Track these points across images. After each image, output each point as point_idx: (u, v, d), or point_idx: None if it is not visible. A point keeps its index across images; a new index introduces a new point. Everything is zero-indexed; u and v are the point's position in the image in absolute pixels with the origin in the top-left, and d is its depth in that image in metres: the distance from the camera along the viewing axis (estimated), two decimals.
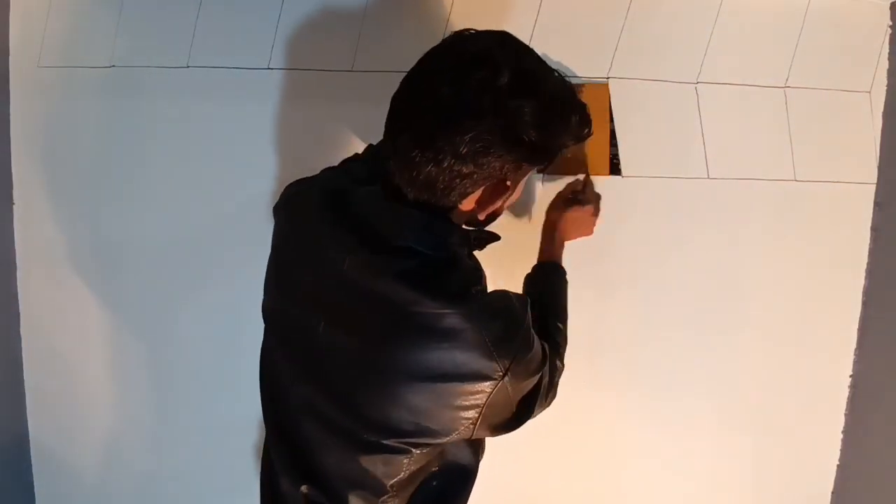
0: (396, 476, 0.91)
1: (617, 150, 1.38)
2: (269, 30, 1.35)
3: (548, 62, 0.87)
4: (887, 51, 1.41)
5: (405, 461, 0.90)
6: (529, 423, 0.96)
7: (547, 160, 0.88)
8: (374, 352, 0.86)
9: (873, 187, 1.44)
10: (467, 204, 0.88)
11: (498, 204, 0.90)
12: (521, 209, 1.40)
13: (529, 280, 1.20)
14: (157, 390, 1.50)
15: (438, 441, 0.90)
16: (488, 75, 0.79)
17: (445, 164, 0.80)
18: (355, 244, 0.87)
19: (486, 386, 0.85)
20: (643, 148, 1.40)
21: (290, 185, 1.01)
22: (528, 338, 0.90)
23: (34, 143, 1.44)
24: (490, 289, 0.93)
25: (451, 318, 0.83)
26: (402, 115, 0.83)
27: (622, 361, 1.47)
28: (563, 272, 1.22)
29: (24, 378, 1.49)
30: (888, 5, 1.40)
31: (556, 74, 0.87)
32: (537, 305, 1.13)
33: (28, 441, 1.51)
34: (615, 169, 1.39)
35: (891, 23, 1.40)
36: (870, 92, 1.41)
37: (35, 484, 1.52)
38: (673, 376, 1.47)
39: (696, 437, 1.50)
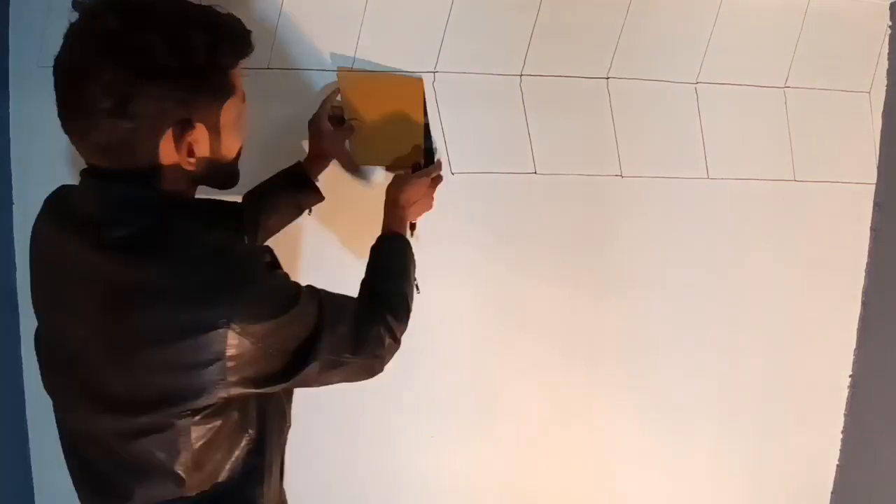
0: (180, 457, 0.88)
1: (432, 143, 1.37)
2: (269, 30, 1.35)
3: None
4: (887, 51, 1.41)
5: (180, 438, 0.87)
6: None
7: (209, 84, 0.87)
8: (102, 332, 0.85)
9: (873, 187, 1.44)
10: (167, 155, 0.86)
11: (205, 148, 0.89)
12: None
13: (371, 251, 1.20)
14: None
15: (195, 404, 0.86)
16: (93, 24, 0.81)
17: (103, 125, 0.81)
18: (70, 232, 0.88)
19: (215, 336, 0.82)
20: (643, 148, 1.40)
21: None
22: (252, 279, 0.87)
23: (34, 143, 1.44)
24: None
25: (160, 279, 0.83)
26: (57, 99, 0.84)
27: (621, 361, 1.47)
28: (400, 239, 1.21)
29: (24, 378, 1.49)
30: (888, 5, 1.40)
31: (189, 1, 0.87)
32: (369, 270, 1.15)
33: (28, 441, 1.51)
34: (430, 161, 1.37)
35: (891, 23, 1.40)
36: (870, 92, 1.41)
37: (35, 484, 1.52)
38: (672, 376, 1.48)
39: (696, 436, 1.50)
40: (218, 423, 0.89)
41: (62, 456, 1.00)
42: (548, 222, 1.42)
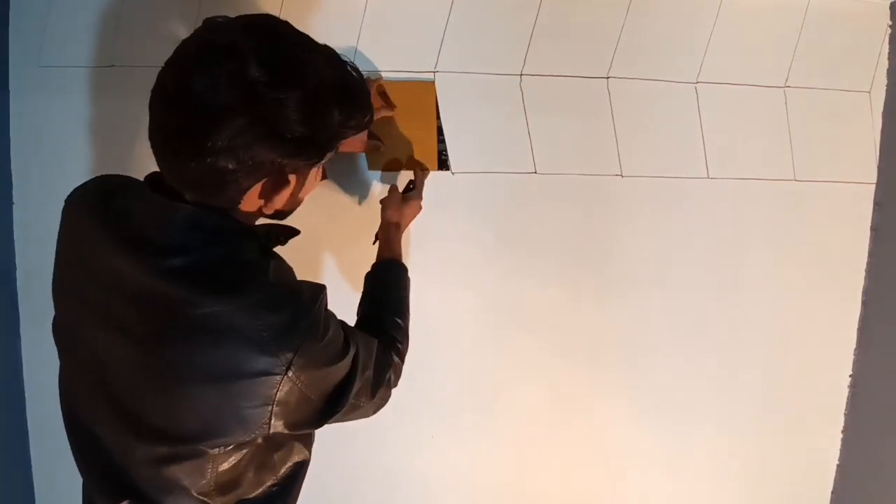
0: (204, 481, 0.87)
1: (445, 146, 1.38)
2: None
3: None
4: (887, 51, 1.41)
5: (208, 466, 0.86)
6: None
7: (325, 152, 0.85)
8: (152, 357, 0.82)
9: (873, 187, 1.44)
10: (249, 202, 0.84)
11: (285, 199, 0.87)
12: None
13: (369, 277, 1.18)
14: None
15: (233, 440, 0.86)
16: (236, 67, 0.75)
17: (208, 161, 0.76)
18: (124, 245, 0.82)
19: (270, 382, 0.82)
20: (643, 148, 1.40)
21: (86, 182, 0.94)
22: (317, 327, 0.85)
23: (34, 143, 1.44)
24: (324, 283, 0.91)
25: (225, 316, 0.80)
26: (157, 110, 0.79)
27: (621, 360, 1.47)
28: (402, 268, 1.20)
29: (24, 378, 1.49)
30: (888, 5, 1.40)
31: (327, 58, 0.84)
32: (375, 301, 1.13)
33: (28, 440, 1.51)
34: (443, 165, 1.39)
35: (891, 23, 1.40)
36: (870, 92, 1.41)
37: (35, 484, 1.52)
38: (673, 376, 1.48)
39: (696, 436, 1.50)
40: (244, 451, 0.89)
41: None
42: (548, 222, 1.42)
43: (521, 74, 1.37)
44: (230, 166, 0.78)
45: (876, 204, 1.44)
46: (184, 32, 1.36)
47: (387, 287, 1.17)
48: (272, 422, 0.85)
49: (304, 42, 0.83)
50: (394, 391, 1.06)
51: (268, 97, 0.76)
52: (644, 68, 1.38)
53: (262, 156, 0.78)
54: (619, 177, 1.41)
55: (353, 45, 1.35)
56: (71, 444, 0.96)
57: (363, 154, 1.38)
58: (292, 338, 0.82)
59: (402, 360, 1.08)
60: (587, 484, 1.52)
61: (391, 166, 1.38)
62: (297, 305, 0.85)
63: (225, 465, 0.88)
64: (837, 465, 1.51)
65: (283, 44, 0.80)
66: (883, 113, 1.42)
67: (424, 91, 1.35)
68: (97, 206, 0.88)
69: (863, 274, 1.46)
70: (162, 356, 0.82)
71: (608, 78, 1.38)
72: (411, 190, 1.33)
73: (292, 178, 0.84)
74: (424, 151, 1.37)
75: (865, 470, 1.49)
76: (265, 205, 0.86)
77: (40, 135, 1.43)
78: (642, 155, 1.41)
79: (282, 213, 0.92)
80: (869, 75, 1.41)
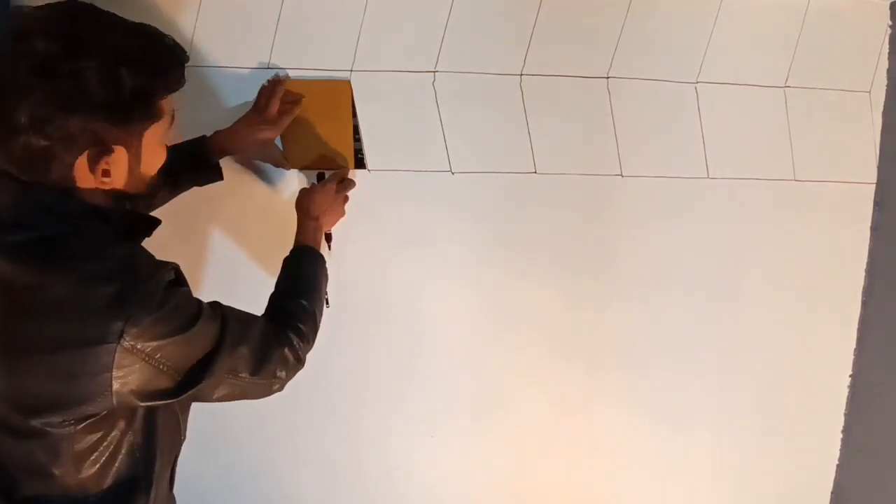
0: (59, 459, 0.90)
1: (361, 144, 1.37)
2: (269, 29, 1.35)
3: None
4: (887, 51, 1.41)
5: (61, 444, 0.89)
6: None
7: (138, 117, 0.88)
8: (2, 333, 0.87)
9: (873, 187, 1.44)
10: (83, 178, 0.87)
11: (124, 173, 0.90)
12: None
13: (284, 261, 1.18)
14: None
15: (78, 412, 0.88)
16: (27, 44, 0.81)
17: (21, 139, 0.81)
18: None
19: (104, 350, 0.84)
20: (643, 148, 1.40)
21: None
22: (151, 298, 0.87)
23: None
24: None
25: (59, 287, 0.84)
26: None
27: (621, 360, 1.47)
28: (311, 253, 1.19)
29: None
30: (888, 5, 1.40)
31: (125, 29, 0.88)
32: (281, 285, 1.13)
33: None
34: (360, 163, 1.38)
35: (891, 23, 1.40)
36: (870, 92, 1.41)
37: None
38: (672, 376, 1.48)
39: (696, 436, 1.50)
40: (100, 433, 0.91)
41: None
42: (548, 222, 1.42)
43: (521, 74, 1.37)
44: (42, 142, 0.82)
45: (876, 204, 1.44)
46: (183, 33, 1.36)
47: (291, 272, 1.16)
48: (114, 390, 0.86)
49: (98, 15, 0.88)
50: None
51: (61, 69, 0.81)
52: (644, 68, 1.38)
53: (69, 127, 0.82)
54: (619, 177, 1.41)
55: (352, 46, 1.35)
56: None
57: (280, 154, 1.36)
58: (123, 307, 0.85)
59: (305, 342, 1.06)
60: (588, 484, 1.52)
61: (308, 165, 1.37)
62: (130, 277, 0.87)
63: (80, 449, 0.90)
64: (837, 465, 1.51)
65: (70, 18, 0.85)
66: (883, 113, 1.42)
67: (340, 90, 1.35)
68: None
69: (863, 274, 1.46)
70: (7, 331, 0.86)
71: (608, 78, 1.38)
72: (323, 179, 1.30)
73: (119, 148, 0.87)
74: (341, 150, 1.36)
75: (865, 470, 1.49)
76: (102, 180, 0.88)
77: None
78: (642, 155, 1.41)
79: (135, 194, 0.94)
80: (869, 75, 1.41)
